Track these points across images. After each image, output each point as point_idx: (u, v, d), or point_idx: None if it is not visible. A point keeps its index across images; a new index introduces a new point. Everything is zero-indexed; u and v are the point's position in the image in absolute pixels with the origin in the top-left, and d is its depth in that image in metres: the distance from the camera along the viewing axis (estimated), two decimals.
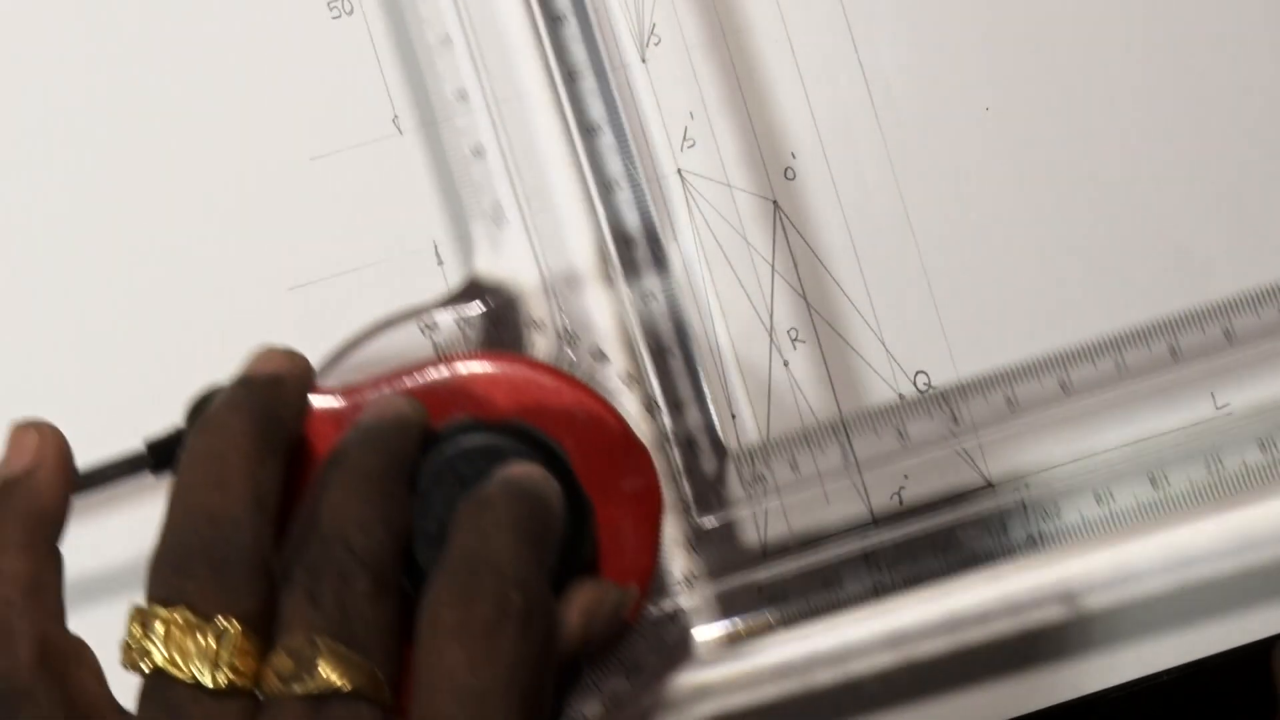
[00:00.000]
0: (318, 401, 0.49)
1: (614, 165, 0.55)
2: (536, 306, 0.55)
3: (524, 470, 0.46)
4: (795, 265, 0.56)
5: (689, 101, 0.56)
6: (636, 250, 0.55)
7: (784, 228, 0.56)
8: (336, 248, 0.56)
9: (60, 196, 0.56)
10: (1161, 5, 0.57)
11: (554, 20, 0.56)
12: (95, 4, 0.56)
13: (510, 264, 0.55)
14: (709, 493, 0.55)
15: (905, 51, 0.57)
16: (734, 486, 0.55)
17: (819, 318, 0.56)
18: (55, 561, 0.45)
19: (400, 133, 0.56)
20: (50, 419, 0.46)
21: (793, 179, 0.56)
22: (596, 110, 0.56)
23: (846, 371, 0.56)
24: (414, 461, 0.47)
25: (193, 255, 0.55)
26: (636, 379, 0.55)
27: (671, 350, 0.55)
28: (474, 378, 0.50)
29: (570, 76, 0.55)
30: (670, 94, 0.56)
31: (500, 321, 0.54)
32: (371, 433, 0.47)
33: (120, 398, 0.55)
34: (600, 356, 0.55)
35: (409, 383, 0.50)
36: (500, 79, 0.55)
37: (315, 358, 0.50)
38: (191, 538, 0.43)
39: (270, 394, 0.47)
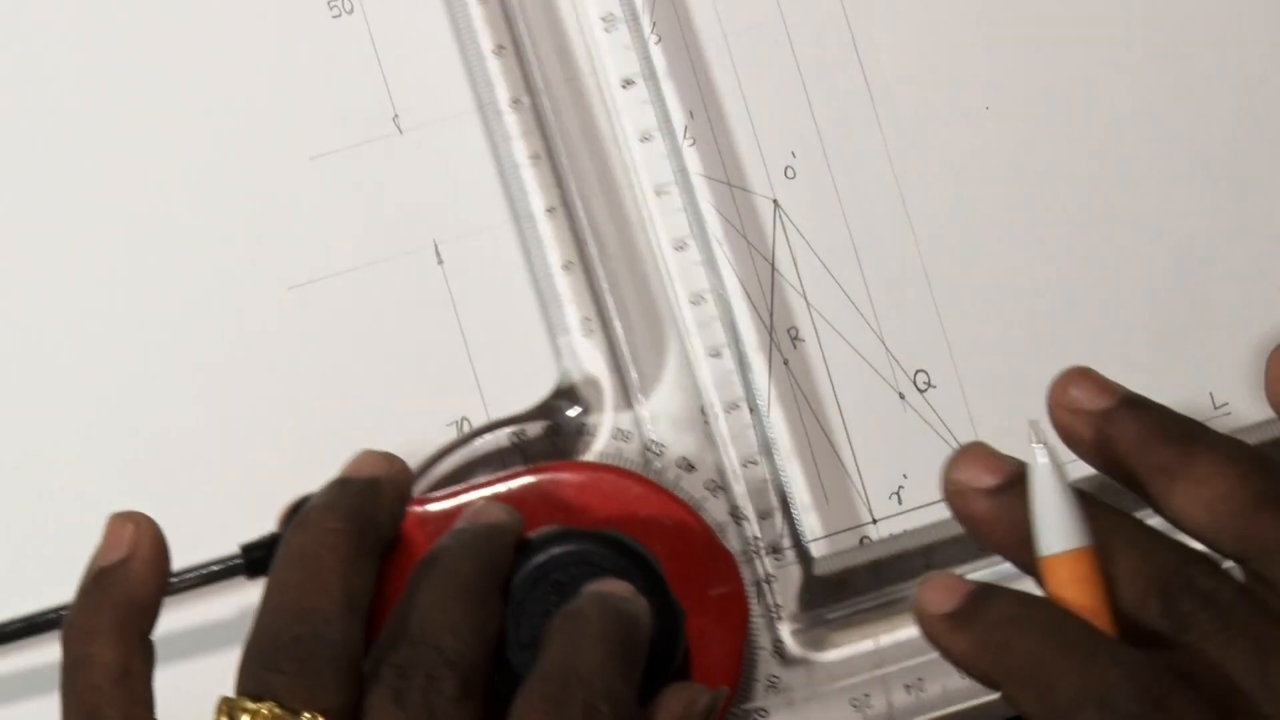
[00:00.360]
0: (414, 506, 0.50)
1: (698, 279, 0.56)
2: (624, 419, 0.55)
3: (615, 586, 0.47)
4: (795, 264, 0.56)
5: (689, 100, 0.56)
6: (723, 360, 0.56)
7: (784, 226, 0.56)
8: (337, 247, 0.56)
9: (62, 190, 0.55)
10: (1161, 3, 0.57)
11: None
12: (95, 2, 0.56)
13: (597, 373, 0.55)
14: (791, 601, 0.55)
15: (905, 50, 0.57)
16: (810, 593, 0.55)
17: (819, 316, 0.56)
18: (146, 651, 0.46)
19: (400, 132, 0.56)
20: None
21: (793, 178, 0.56)
22: (680, 227, 0.56)
23: (846, 370, 0.56)
24: (508, 568, 0.48)
25: (193, 253, 0.55)
26: (721, 487, 0.55)
27: (756, 460, 0.55)
28: (564, 486, 0.51)
29: (682, 181, 0.56)
30: (672, 91, 0.56)
31: (588, 431, 0.55)
32: (466, 538, 0.48)
33: (118, 384, 0.55)
34: (686, 466, 0.55)
35: (503, 490, 0.51)
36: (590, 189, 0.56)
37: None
38: (282, 634, 0.45)
39: (367, 496, 0.48)
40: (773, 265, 0.56)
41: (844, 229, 0.56)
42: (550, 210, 0.55)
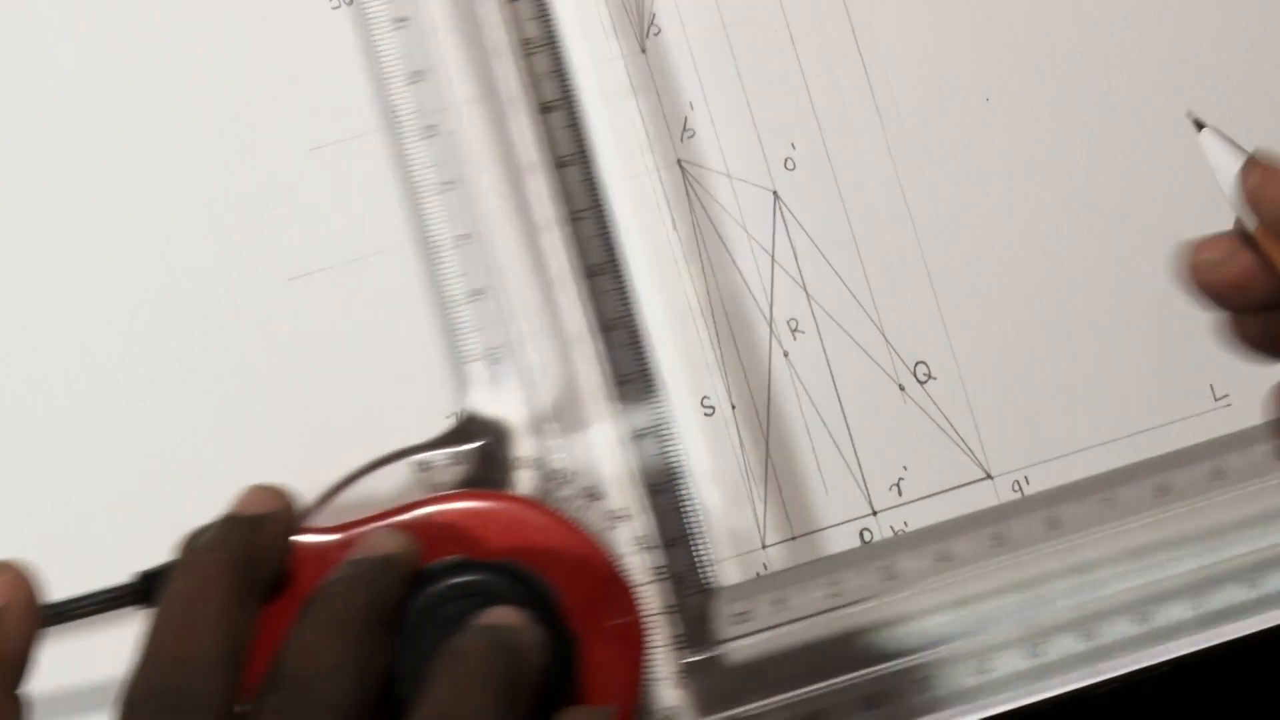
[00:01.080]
0: (308, 538, 0.50)
1: (613, 307, 0.55)
2: (527, 445, 0.55)
3: (505, 616, 0.46)
4: (795, 255, 0.56)
5: (689, 92, 0.56)
6: (629, 391, 0.55)
7: (784, 218, 0.56)
8: (336, 239, 0.56)
9: (61, 187, 0.55)
10: None
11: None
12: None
13: (503, 403, 0.55)
14: (695, 628, 0.55)
15: (905, 42, 0.57)
16: (720, 623, 0.55)
17: (819, 308, 0.56)
18: (14, 708, 0.44)
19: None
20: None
21: (793, 169, 0.56)
22: (597, 253, 0.55)
23: (846, 361, 0.56)
24: (399, 600, 0.47)
25: (192, 246, 0.55)
26: (626, 517, 0.55)
27: (661, 489, 0.55)
28: (465, 515, 0.51)
29: (571, 218, 0.55)
30: (670, 84, 0.56)
31: (492, 460, 0.55)
32: (354, 571, 0.47)
33: (115, 382, 0.55)
34: (590, 495, 0.55)
35: (402, 520, 0.51)
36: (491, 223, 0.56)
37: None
38: (156, 681, 0.43)
39: (252, 534, 0.47)
40: (772, 257, 0.56)
41: (844, 221, 0.56)
42: (460, 237, 0.55)
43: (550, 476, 0.54)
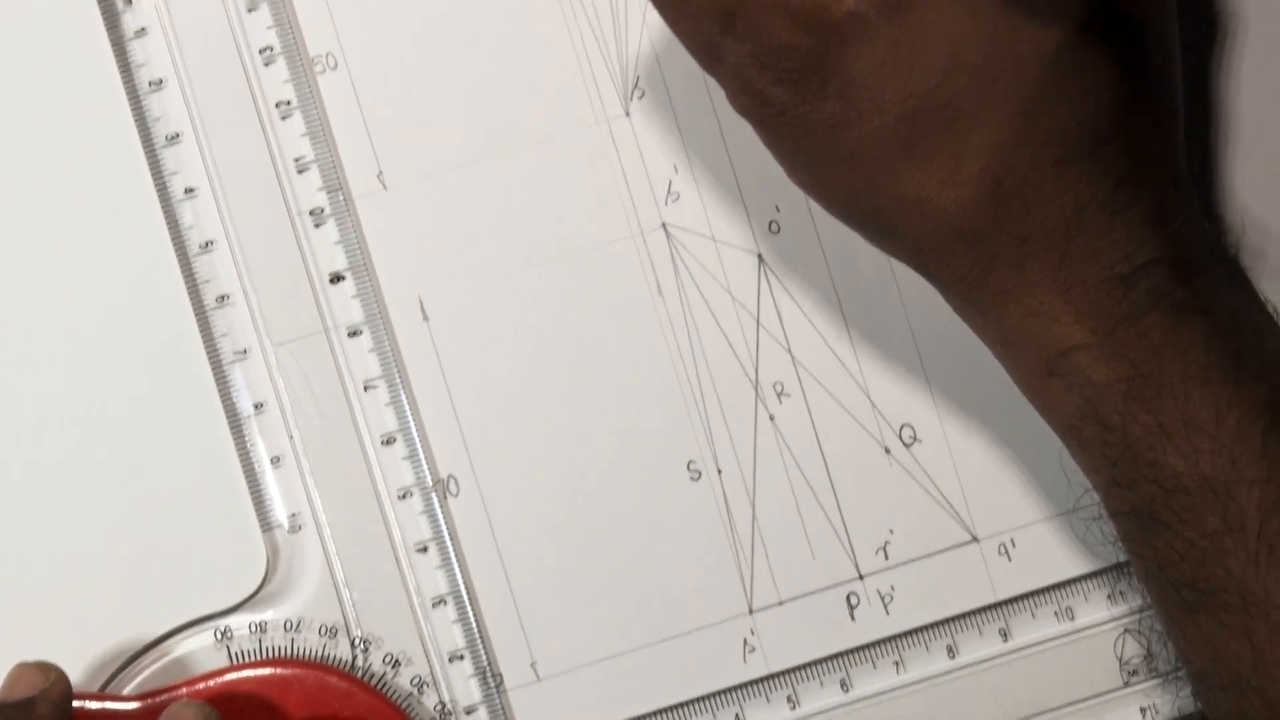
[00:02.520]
0: (108, 705, 0.50)
1: (406, 474, 0.55)
2: (330, 613, 0.55)
3: None
4: (780, 319, 0.56)
5: (673, 155, 0.56)
6: (429, 556, 0.55)
7: (769, 281, 0.56)
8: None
9: None
10: None
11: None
12: None
13: (306, 571, 0.55)
14: None
15: None
16: None
17: (804, 371, 0.56)
18: None
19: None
20: None
21: (777, 232, 0.56)
22: (390, 421, 0.56)
23: (832, 425, 0.56)
24: None
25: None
26: (430, 684, 0.55)
27: (461, 655, 0.55)
28: (267, 684, 0.51)
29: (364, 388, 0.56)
30: (655, 148, 0.56)
31: (295, 628, 0.55)
32: None
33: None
34: (394, 662, 0.55)
35: (202, 688, 0.51)
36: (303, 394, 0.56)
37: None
38: None
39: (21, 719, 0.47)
40: (758, 320, 0.56)
41: (829, 283, 0.56)
42: (258, 406, 0.55)
43: (354, 644, 0.55)
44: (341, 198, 0.56)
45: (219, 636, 0.55)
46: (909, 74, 0.46)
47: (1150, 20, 0.48)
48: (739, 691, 0.56)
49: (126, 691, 0.53)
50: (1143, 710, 0.56)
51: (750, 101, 0.48)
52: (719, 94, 0.56)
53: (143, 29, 0.56)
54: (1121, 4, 0.47)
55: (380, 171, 0.56)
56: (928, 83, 0.46)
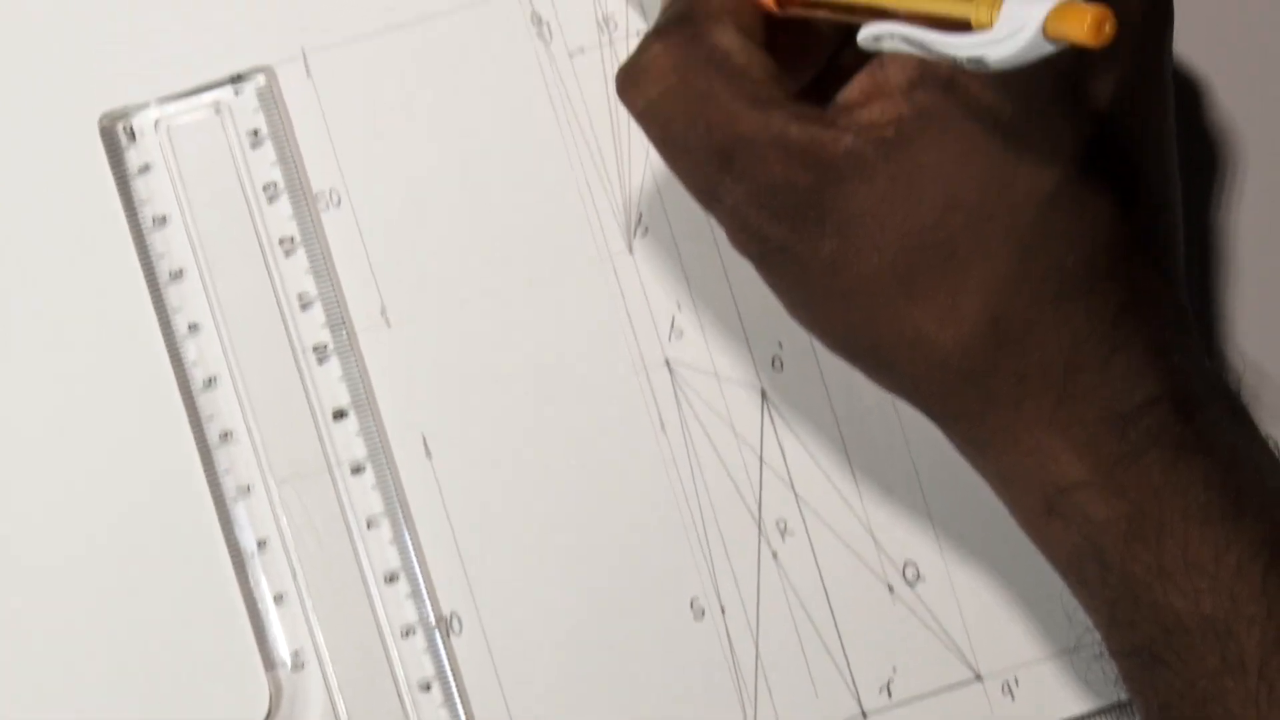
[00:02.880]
0: None
1: (409, 612, 0.55)
2: None
3: None
4: (783, 455, 0.56)
5: (676, 291, 0.56)
6: (433, 695, 0.55)
7: (772, 417, 0.56)
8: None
9: None
10: None
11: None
12: None
13: (309, 709, 0.55)
14: None
15: None
16: None
17: (807, 508, 0.56)
18: None
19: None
20: None
21: (780, 368, 0.56)
22: (393, 558, 0.56)
23: (835, 562, 0.56)
24: None
25: None
26: None
27: None
28: None
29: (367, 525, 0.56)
30: (658, 284, 0.56)
31: None
32: None
33: None
34: None
35: None
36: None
37: None
38: None
39: None
40: (760, 457, 0.56)
41: (832, 420, 0.56)
42: (261, 543, 0.55)
43: None
44: (345, 334, 0.56)
45: None
46: (907, 212, 0.46)
47: (1149, 158, 0.48)
48: None
49: None
50: None
51: (749, 240, 0.48)
52: (721, 231, 0.56)
53: (146, 165, 0.56)
54: (1120, 141, 0.47)
55: (384, 308, 0.56)
56: (925, 221, 0.46)
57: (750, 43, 0.48)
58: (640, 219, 0.57)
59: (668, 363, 0.56)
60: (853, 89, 0.47)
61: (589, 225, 0.56)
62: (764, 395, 0.56)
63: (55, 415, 0.55)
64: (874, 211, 0.46)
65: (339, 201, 0.56)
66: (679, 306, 0.57)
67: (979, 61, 0.41)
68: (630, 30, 0.57)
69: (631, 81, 0.48)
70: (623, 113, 0.55)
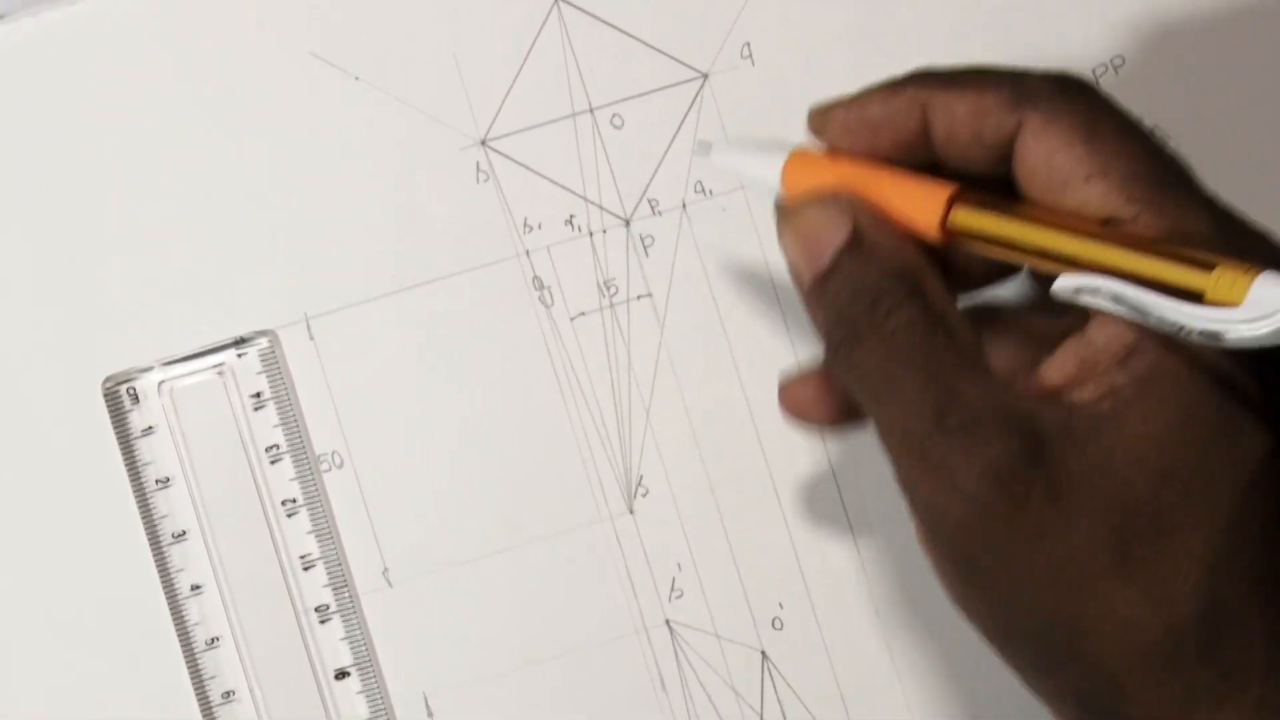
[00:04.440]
0: None
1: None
2: None
3: None
4: (784, 715, 0.56)
5: (677, 552, 0.57)
6: None
7: (772, 678, 0.57)
8: None
9: None
10: None
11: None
12: None
13: None
14: None
15: (886, 495, 0.57)
16: None
17: None
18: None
19: (390, 585, 0.56)
20: None
21: (780, 629, 0.57)
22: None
23: None
24: None
25: None
26: None
27: None
28: None
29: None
30: (659, 545, 0.57)
31: None
32: None
33: None
34: None
35: None
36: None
37: None
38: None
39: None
40: (761, 716, 0.56)
41: (832, 681, 0.57)
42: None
43: None
44: (347, 594, 0.56)
45: None
46: (1121, 482, 0.43)
47: None
48: None
49: None
50: None
51: (949, 501, 0.44)
52: (721, 492, 0.57)
53: (150, 427, 0.56)
54: None
55: (386, 568, 0.56)
56: (1140, 491, 0.43)
57: (952, 297, 0.46)
58: (640, 480, 0.57)
59: (668, 623, 0.57)
60: (1060, 367, 0.44)
61: (590, 486, 0.57)
62: (764, 656, 0.57)
63: (57, 678, 0.56)
64: (1087, 481, 0.43)
65: (341, 463, 0.56)
66: (679, 567, 0.57)
67: (1214, 337, 0.40)
68: (631, 293, 0.57)
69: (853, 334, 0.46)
70: (623, 375, 0.55)
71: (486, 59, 0.57)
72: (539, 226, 0.57)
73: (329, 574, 0.56)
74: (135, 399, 0.56)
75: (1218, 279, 0.40)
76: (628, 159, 0.57)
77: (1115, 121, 0.44)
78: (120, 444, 0.56)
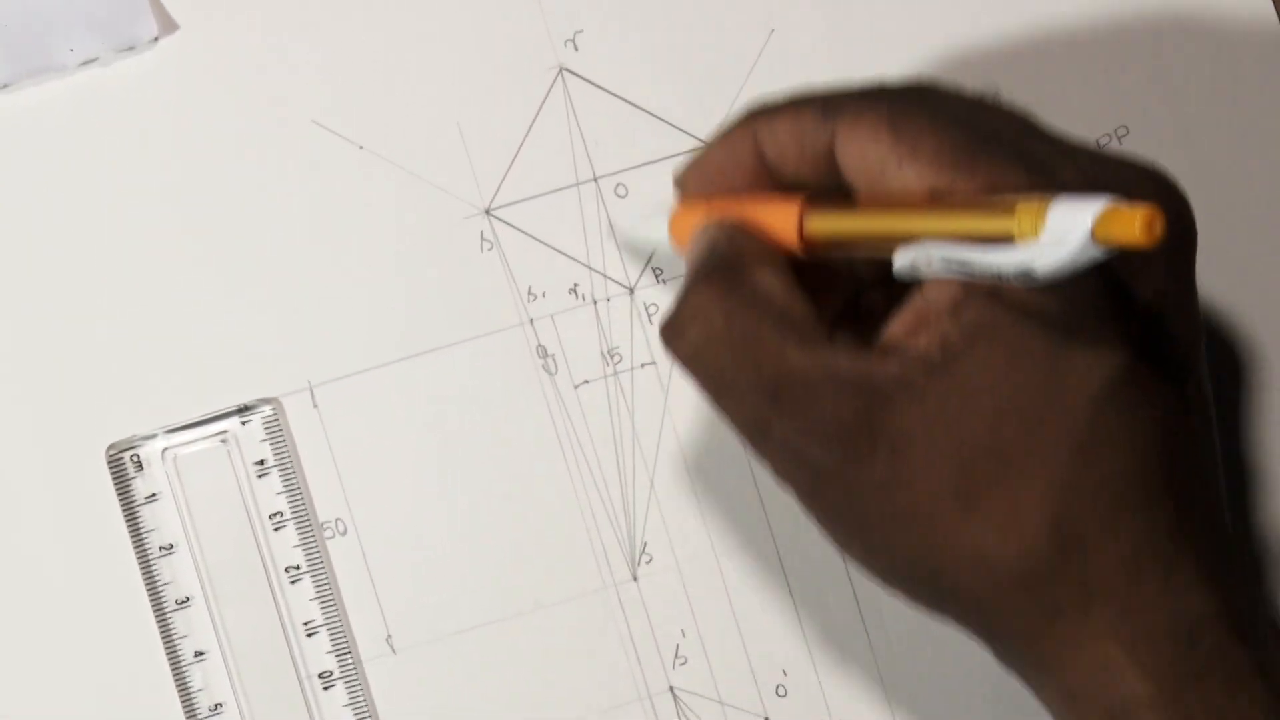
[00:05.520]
0: None
1: None
2: None
3: None
4: None
5: (680, 619, 0.57)
6: None
7: None
8: None
9: None
10: None
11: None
12: None
13: None
14: None
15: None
16: None
17: None
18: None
19: (394, 651, 0.56)
20: None
21: (784, 695, 0.57)
22: None
23: None
24: None
25: None
26: None
27: None
28: None
29: None
30: (662, 612, 0.57)
31: None
32: None
33: None
34: None
35: None
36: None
37: None
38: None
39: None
40: None
41: None
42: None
43: None
44: (351, 661, 0.56)
45: None
46: (960, 426, 0.45)
47: (1190, 370, 0.48)
48: None
49: None
50: None
51: (798, 470, 0.47)
52: (725, 559, 0.57)
53: (154, 494, 0.56)
54: (1163, 349, 0.47)
55: (389, 635, 0.56)
56: (978, 433, 0.45)
57: (788, 284, 0.48)
58: (644, 547, 0.57)
59: (672, 689, 0.57)
60: (898, 324, 0.47)
61: (593, 553, 0.57)
62: None
63: None
64: (926, 430, 0.46)
65: (344, 530, 0.57)
66: (683, 633, 0.57)
67: (1026, 274, 0.41)
68: (635, 361, 0.57)
69: (676, 331, 0.48)
70: (627, 442, 0.55)
71: (491, 128, 0.57)
72: (543, 295, 0.57)
73: (332, 640, 0.56)
74: (139, 466, 0.56)
75: (1020, 218, 0.41)
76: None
77: (919, 108, 0.47)
78: (124, 511, 0.56)
